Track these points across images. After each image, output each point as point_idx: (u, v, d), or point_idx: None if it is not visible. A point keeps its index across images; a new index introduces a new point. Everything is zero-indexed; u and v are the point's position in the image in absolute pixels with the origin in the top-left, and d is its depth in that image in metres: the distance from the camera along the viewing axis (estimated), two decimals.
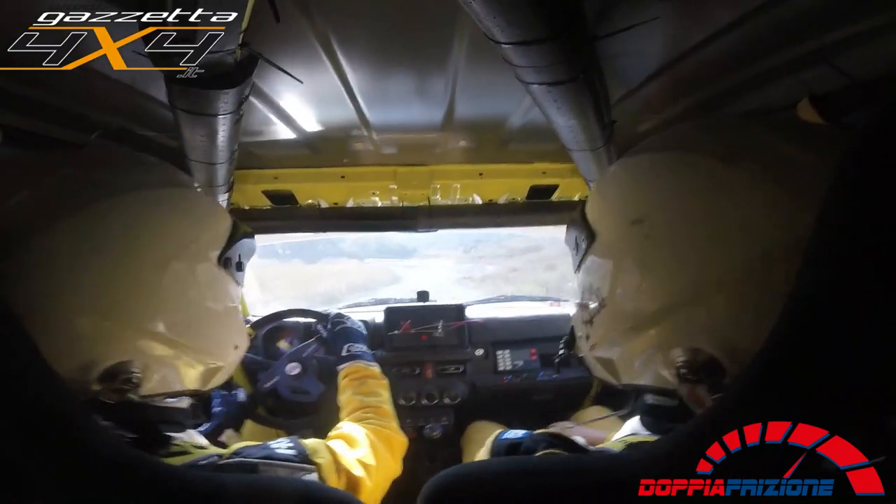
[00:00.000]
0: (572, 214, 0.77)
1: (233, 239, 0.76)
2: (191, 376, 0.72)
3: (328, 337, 1.52)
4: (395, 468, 0.96)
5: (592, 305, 0.66)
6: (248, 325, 1.77)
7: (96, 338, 0.60)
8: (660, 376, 0.60)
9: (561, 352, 0.81)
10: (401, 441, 1.01)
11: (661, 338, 0.57)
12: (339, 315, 1.54)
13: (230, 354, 0.79)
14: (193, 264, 0.70)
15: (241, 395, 1.53)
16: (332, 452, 0.77)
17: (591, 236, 0.68)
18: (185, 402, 0.74)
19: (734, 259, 0.51)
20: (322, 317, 1.75)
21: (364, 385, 1.15)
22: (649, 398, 0.67)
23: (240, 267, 0.79)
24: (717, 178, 0.55)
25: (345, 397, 1.15)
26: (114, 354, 0.62)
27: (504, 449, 0.68)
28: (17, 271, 0.56)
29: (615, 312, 0.62)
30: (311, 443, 0.75)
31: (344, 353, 1.29)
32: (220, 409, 1.50)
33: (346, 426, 0.96)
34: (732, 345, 0.52)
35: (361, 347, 1.32)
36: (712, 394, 0.52)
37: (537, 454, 0.62)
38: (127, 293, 0.62)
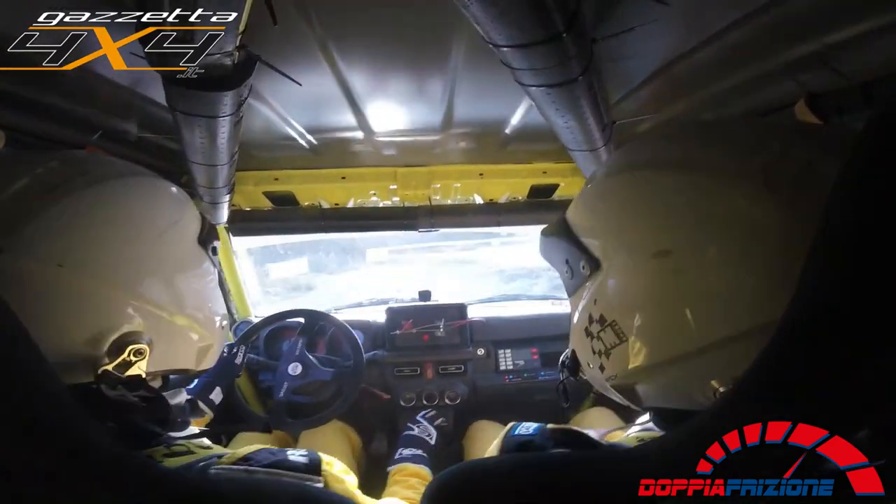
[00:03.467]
0: (548, 229, 0.69)
1: (205, 224, 0.81)
2: (188, 353, 0.77)
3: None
4: None
5: (606, 338, 0.60)
6: (251, 326, 1.78)
7: (105, 307, 0.64)
8: (691, 401, 0.55)
9: (563, 377, 0.75)
10: None
11: (696, 371, 0.52)
12: (413, 419, 1.60)
13: (218, 332, 0.83)
14: (181, 240, 0.75)
15: (240, 356, 1.54)
16: (346, 475, 0.76)
17: (593, 264, 0.61)
18: (182, 397, 0.75)
19: (780, 292, 0.43)
20: (327, 318, 1.76)
21: (407, 483, 1.22)
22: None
23: (214, 251, 0.83)
24: (758, 206, 0.48)
25: (388, 491, 1.21)
26: (121, 324, 0.65)
27: (514, 447, 0.66)
28: (25, 247, 0.59)
29: (640, 347, 0.56)
30: (325, 459, 0.75)
31: (396, 456, 1.38)
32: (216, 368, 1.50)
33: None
34: None
35: (416, 451, 1.39)
36: None
37: (545, 452, 0.62)
38: (131, 262, 0.66)
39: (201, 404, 1.36)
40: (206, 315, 0.78)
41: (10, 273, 0.57)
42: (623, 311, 0.57)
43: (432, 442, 1.47)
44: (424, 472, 1.28)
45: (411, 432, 1.50)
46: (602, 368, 0.63)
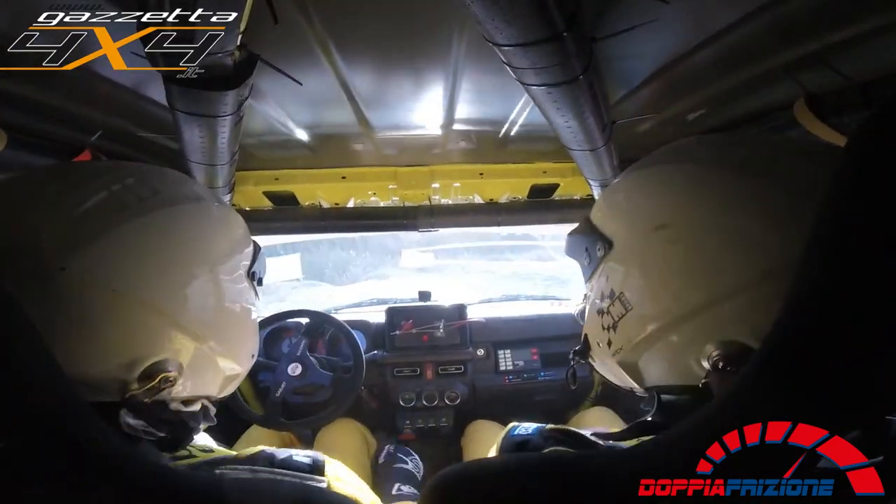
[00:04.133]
0: (575, 228, 0.78)
1: (256, 254, 0.81)
2: (215, 381, 0.75)
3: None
4: None
5: (614, 311, 0.67)
6: None
7: (147, 334, 0.63)
8: (689, 373, 0.60)
9: (573, 361, 0.81)
10: None
11: (691, 335, 0.59)
12: (399, 447, 1.65)
13: (248, 363, 0.81)
14: (232, 272, 0.74)
15: None
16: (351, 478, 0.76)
17: (607, 244, 0.70)
18: (197, 406, 0.75)
19: (762, 257, 0.54)
20: (327, 318, 1.76)
21: None
22: (665, 397, 0.67)
23: (260, 282, 0.83)
24: (735, 186, 0.58)
25: None
26: (159, 352, 0.64)
27: (512, 448, 0.68)
28: (86, 269, 0.58)
29: (642, 315, 0.64)
30: (329, 460, 0.75)
31: (394, 492, 1.40)
32: None
33: None
34: (764, 331, 0.52)
35: (413, 490, 1.42)
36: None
37: (543, 452, 0.62)
38: (181, 292, 0.65)
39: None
40: (241, 348, 0.77)
41: (65, 292, 0.56)
42: (629, 282, 0.66)
43: (420, 477, 1.56)
44: None
45: (405, 466, 1.52)
46: (609, 343, 0.70)
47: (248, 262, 0.79)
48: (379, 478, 1.55)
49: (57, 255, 0.56)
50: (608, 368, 0.74)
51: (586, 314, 0.77)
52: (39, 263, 0.56)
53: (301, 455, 0.70)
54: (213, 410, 0.75)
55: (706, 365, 0.57)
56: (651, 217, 0.64)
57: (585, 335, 0.78)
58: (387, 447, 1.67)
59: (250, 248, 0.80)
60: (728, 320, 0.56)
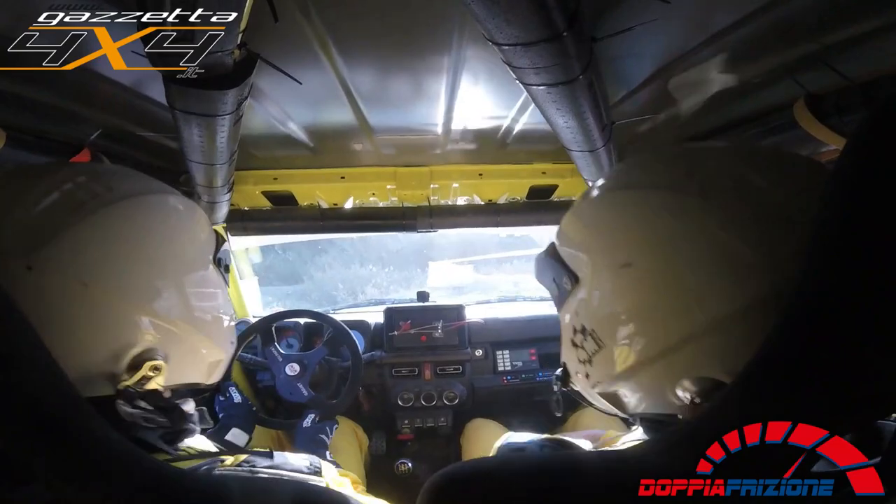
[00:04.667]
0: (541, 253, 0.76)
1: (219, 242, 0.82)
2: (200, 368, 0.77)
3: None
4: None
5: (588, 346, 0.66)
6: (249, 326, 1.78)
7: (126, 325, 0.64)
8: (668, 404, 0.59)
9: (556, 388, 0.80)
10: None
11: (666, 370, 0.57)
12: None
13: (229, 348, 0.83)
14: (199, 258, 0.76)
15: (236, 396, 1.55)
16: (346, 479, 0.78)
17: (573, 279, 0.67)
18: (190, 406, 0.75)
19: (730, 295, 0.51)
20: (325, 318, 1.76)
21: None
22: (648, 422, 0.68)
23: (226, 269, 0.84)
24: (697, 216, 0.55)
25: None
26: (141, 341, 0.65)
27: (508, 453, 0.69)
28: (52, 265, 0.59)
29: (615, 353, 0.62)
30: (326, 463, 0.76)
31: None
32: (222, 414, 1.53)
33: None
34: (739, 367, 0.51)
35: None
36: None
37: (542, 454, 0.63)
38: (152, 281, 0.67)
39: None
40: (218, 331, 0.78)
41: (36, 290, 0.57)
42: (598, 320, 0.63)
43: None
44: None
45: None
46: (587, 376, 0.68)
47: (212, 248, 0.80)
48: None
49: (20, 256, 0.57)
50: (590, 396, 0.72)
51: (561, 341, 0.75)
52: (4, 265, 0.57)
53: (297, 458, 0.72)
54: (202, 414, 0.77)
55: (683, 398, 0.56)
56: (614, 254, 0.61)
57: (564, 363, 0.76)
58: (311, 415, 1.59)
59: (212, 235, 0.81)
60: (703, 357, 0.54)
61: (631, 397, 0.65)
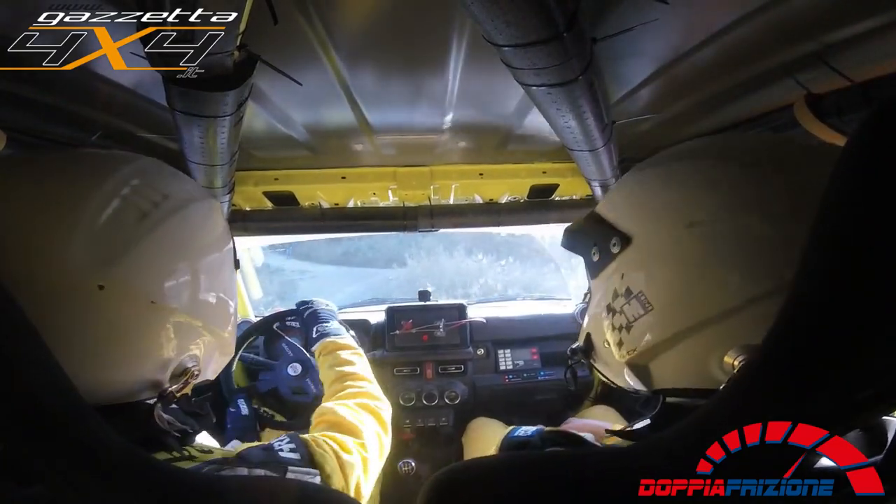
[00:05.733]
0: (580, 220, 0.75)
1: (234, 244, 0.83)
2: (215, 368, 0.79)
3: (300, 325, 1.54)
4: (385, 441, 0.97)
5: (630, 311, 0.64)
6: (250, 326, 1.78)
7: (181, 336, 0.65)
8: (707, 377, 0.58)
9: (571, 361, 0.79)
10: (384, 408, 1.02)
11: (717, 339, 0.56)
12: (303, 301, 1.54)
13: (234, 345, 0.85)
14: (229, 265, 0.78)
15: (244, 408, 1.56)
16: (338, 457, 0.78)
17: (624, 240, 0.66)
18: (206, 407, 0.77)
19: (793, 258, 0.48)
20: None
21: (336, 358, 1.18)
22: (671, 400, 0.66)
23: (237, 265, 0.85)
24: (768, 184, 0.57)
25: (323, 376, 1.18)
26: (188, 348, 0.67)
27: (512, 448, 0.69)
28: (125, 285, 0.58)
29: (663, 317, 0.60)
30: (315, 448, 0.76)
31: (314, 335, 1.32)
32: (230, 426, 1.54)
33: (328, 408, 0.96)
34: None
35: (330, 326, 1.34)
36: None
37: (543, 451, 0.62)
38: (204, 291, 0.68)
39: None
40: (233, 332, 0.80)
41: (106, 310, 0.57)
42: (652, 280, 0.62)
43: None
44: (348, 342, 1.27)
45: (311, 308, 1.45)
46: (620, 345, 0.66)
47: (233, 251, 0.81)
48: None
49: (90, 274, 0.56)
50: (611, 369, 0.72)
51: (590, 312, 0.74)
52: (69, 282, 0.55)
53: (286, 449, 0.72)
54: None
55: (729, 368, 0.55)
56: (681, 213, 0.60)
57: (588, 334, 0.75)
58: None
59: (231, 237, 0.82)
60: (758, 324, 0.50)
61: (666, 369, 0.63)
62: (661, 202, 0.64)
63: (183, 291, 0.64)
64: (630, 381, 0.69)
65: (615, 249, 0.66)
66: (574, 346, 0.78)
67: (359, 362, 1.18)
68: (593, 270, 0.72)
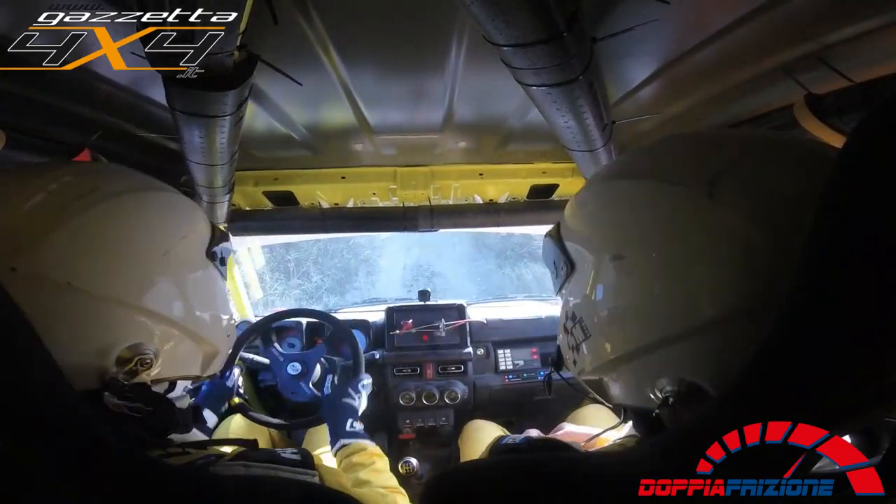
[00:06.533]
0: (547, 233, 0.75)
1: (214, 237, 0.82)
2: (194, 361, 0.78)
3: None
4: None
5: (577, 334, 0.66)
6: (249, 326, 1.78)
7: (112, 322, 0.65)
8: (646, 399, 0.59)
9: (550, 372, 0.82)
10: None
11: (646, 369, 0.57)
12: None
13: (223, 339, 0.84)
14: (188, 253, 0.76)
15: (232, 378, 1.52)
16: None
17: (569, 265, 0.67)
18: (185, 402, 0.76)
19: (716, 301, 0.50)
20: (326, 317, 1.75)
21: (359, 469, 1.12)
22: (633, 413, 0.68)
23: (223, 262, 0.84)
24: (701, 213, 0.53)
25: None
26: (128, 336, 0.66)
27: (501, 453, 0.69)
28: (35, 267, 0.60)
29: (600, 343, 0.62)
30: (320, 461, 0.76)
31: (349, 429, 1.26)
32: (204, 388, 1.48)
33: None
34: (720, 376, 0.51)
35: (360, 425, 1.29)
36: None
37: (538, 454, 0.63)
38: (138, 278, 0.67)
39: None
40: (211, 324, 0.79)
41: (22, 291, 0.56)
42: (587, 309, 0.63)
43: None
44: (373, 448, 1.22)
45: (353, 402, 1.36)
46: (574, 362, 0.69)
47: (205, 241, 0.80)
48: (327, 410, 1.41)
49: (4, 257, 0.58)
50: (577, 382, 0.73)
51: (559, 326, 0.74)
52: None
53: (288, 452, 0.72)
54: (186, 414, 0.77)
55: (658, 398, 0.56)
56: (608, 244, 0.60)
57: (559, 346, 0.76)
58: (329, 376, 1.58)
59: (205, 228, 0.81)
60: (685, 359, 0.53)
61: (615, 388, 0.65)
62: (595, 228, 0.65)
63: (106, 275, 0.64)
64: (591, 392, 0.71)
65: (563, 273, 0.68)
66: (551, 356, 0.80)
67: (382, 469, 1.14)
68: (554, 287, 0.74)
